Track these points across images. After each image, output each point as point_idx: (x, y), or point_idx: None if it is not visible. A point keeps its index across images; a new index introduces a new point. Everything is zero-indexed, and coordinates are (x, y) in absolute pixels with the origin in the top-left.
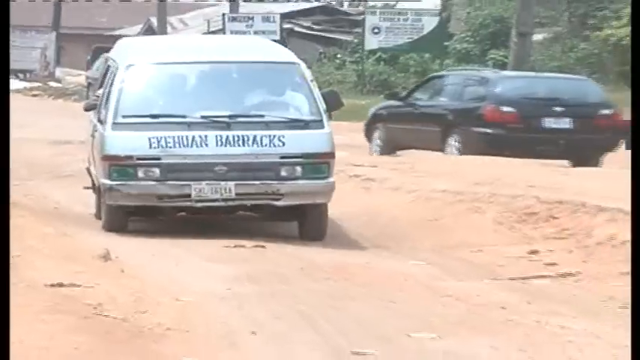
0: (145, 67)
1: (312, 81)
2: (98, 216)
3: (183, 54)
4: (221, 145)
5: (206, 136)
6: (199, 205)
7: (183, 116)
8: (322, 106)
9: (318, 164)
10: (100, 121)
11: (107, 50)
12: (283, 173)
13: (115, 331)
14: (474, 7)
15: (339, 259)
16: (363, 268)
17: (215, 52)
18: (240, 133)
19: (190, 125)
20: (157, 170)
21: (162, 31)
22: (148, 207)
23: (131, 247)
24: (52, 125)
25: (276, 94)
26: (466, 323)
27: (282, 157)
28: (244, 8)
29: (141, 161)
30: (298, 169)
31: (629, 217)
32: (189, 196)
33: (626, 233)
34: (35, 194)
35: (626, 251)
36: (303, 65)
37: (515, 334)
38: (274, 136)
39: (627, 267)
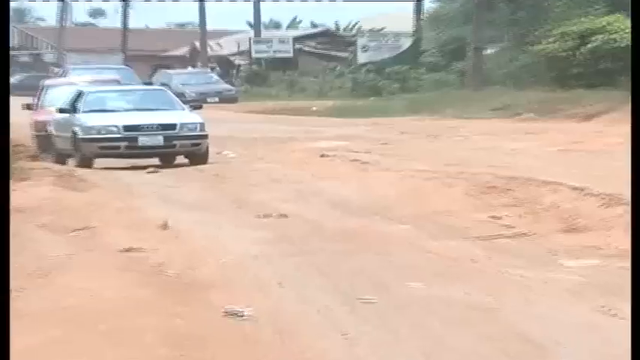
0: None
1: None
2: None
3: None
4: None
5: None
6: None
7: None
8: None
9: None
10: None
11: (163, 67)
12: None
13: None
14: (439, 30)
15: (344, 223)
16: (363, 230)
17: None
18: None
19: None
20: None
21: (204, 52)
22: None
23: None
24: None
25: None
26: (444, 274)
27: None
28: (265, 34)
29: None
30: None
31: (566, 188)
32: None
33: (565, 201)
34: None
35: (567, 214)
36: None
37: (483, 282)
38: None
39: (565, 225)
